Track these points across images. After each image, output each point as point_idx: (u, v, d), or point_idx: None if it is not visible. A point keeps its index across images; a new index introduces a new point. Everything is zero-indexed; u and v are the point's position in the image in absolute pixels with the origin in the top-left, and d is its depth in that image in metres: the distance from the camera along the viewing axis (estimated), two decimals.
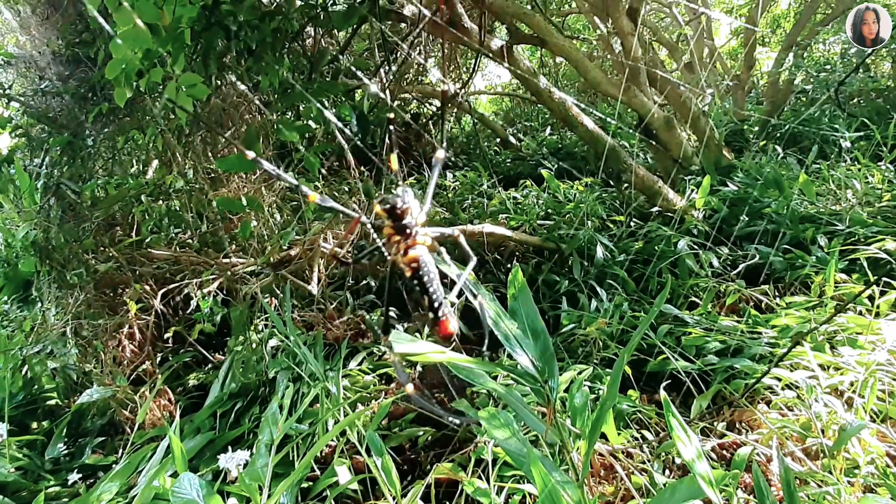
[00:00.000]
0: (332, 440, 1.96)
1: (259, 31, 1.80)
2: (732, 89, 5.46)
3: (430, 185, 0.96)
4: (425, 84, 4.69)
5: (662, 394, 1.14)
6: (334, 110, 2.26)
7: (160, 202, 2.85)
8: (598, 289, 2.74)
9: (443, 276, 0.97)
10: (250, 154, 0.83)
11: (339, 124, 2.01)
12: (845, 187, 3.14)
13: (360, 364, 2.58)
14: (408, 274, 0.92)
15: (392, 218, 0.89)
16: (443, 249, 0.96)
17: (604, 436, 1.70)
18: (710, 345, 2.16)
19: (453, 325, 0.93)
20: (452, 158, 5.42)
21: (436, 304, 0.92)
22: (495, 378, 1.74)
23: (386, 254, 0.93)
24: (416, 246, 0.91)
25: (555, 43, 3.23)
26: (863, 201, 2.95)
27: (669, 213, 3.12)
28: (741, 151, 4.28)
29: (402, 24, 2.93)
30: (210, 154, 2.73)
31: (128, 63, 1.34)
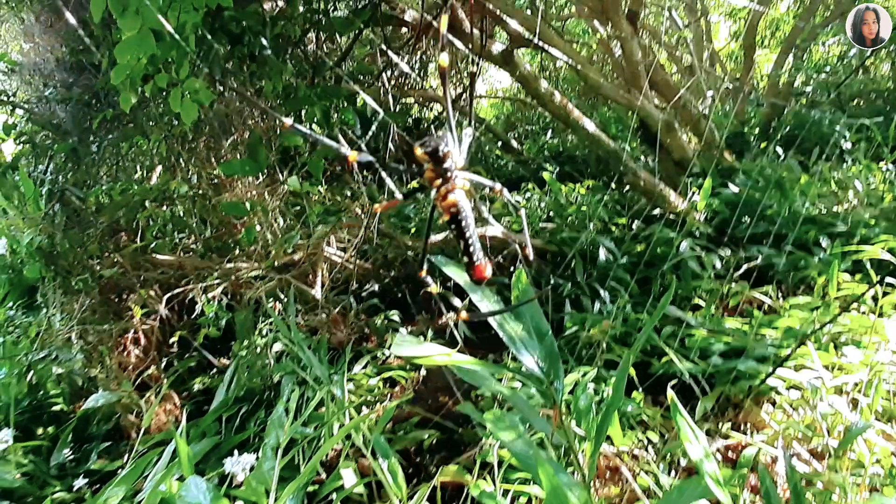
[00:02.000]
0: (338, 444, 1.97)
1: (262, 37, 1.81)
2: (732, 92, 5.47)
3: (462, 145, 0.97)
4: (427, 88, 4.70)
5: (670, 394, 1.14)
6: (337, 115, 2.27)
7: (164, 208, 2.86)
8: (601, 291, 2.74)
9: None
10: (287, 121, 0.84)
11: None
12: (847, 188, 3.14)
13: (364, 368, 2.58)
14: (446, 218, 0.93)
15: (434, 161, 0.90)
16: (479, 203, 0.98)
17: (609, 438, 1.70)
18: (714, 346, 2.16)
19: (488, 270, 0.94)
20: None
21: (471, 249, 0.92)
22: (500, 380, 1.75)
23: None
24: (455, 190, 0.91)
25: (555, 47, 3.24)
26: (864, 202, 2.95)
27: (671, 216, 3.12)
28: (742, 153, 4.28)
29: (404, 30, 2.94)
30: (214, 159, 2.74)
31: (133, 68, 1.35)
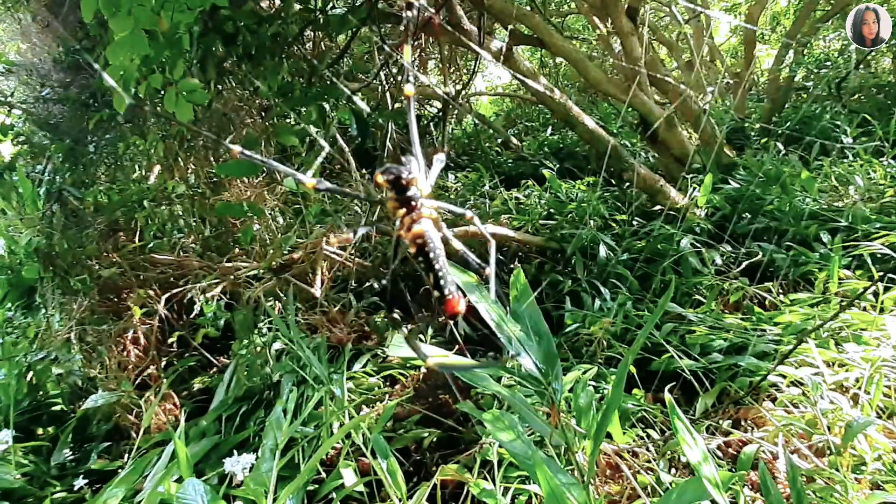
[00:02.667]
0: (338, 442, 1.97)
1: (257, 36, 1.80)
2: (733, 87, 5.45)
3: (432, 170, 0.89)
4: (425, 86, 4.69)
5: (668, 396, 1.13)
6: (335, 113, 2.26)
7: (163, 207, 2.86)
8: (602, 288, 2.74)
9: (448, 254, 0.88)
10: (236, 149, 0.78)
11: (337, 133, 2.00)
12: (847, 183, 3.13)
13: (364, 366, 2.58)
14: (412, 250, 0.85)
15: (396, 189, 0.83)
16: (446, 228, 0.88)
17: (609, 435, 1.69)
18: (715, 343, 2.16)
19: (461, 304, 0.85)
20: (455, 158, 5.40)
21: (441, 283, 0.84)
22: (499, 380, 1.74)
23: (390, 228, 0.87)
24: (421, 220, 0.83)
25: (554, 43, 3.23)
26: (865, 197, 2.94)
27: (672, 212, 3.11)
28: (742, 149, 4.27)
29: (401, 27, 2.94)
30: (211, 158, 2.73)
31: (126, 70, 1.34)
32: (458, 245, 0.87)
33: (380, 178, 0.82)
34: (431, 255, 0.84)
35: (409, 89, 0.86)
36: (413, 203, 0.83)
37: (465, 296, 0.87)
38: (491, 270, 0.90)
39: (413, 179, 0.83)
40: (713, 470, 0.89)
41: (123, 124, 2.64)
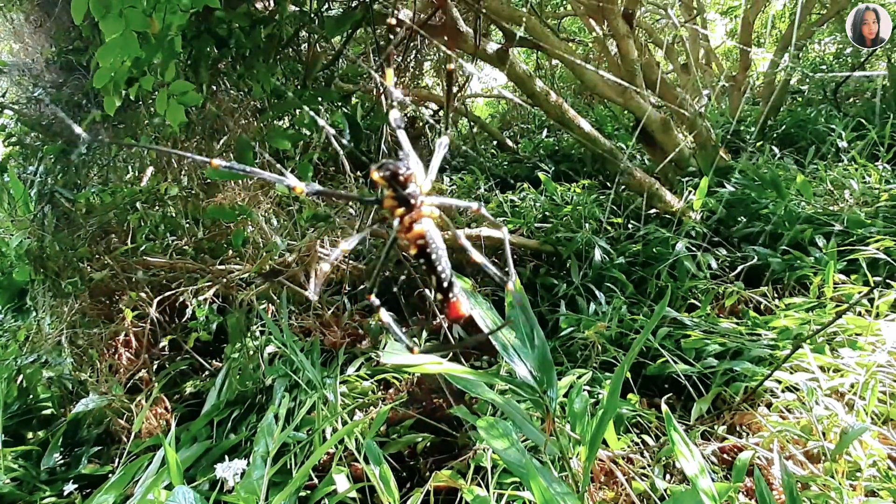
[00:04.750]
0: (331, 448, 1.95)
1: (251, 38, 1.78)
2: (728, 90, 5.46)
3: (434, 160, 0.83)
4: (421, 87, 4.68)
5: (664, 408, 1.12)
6: (329, 116, 2.24)
7: (155, 209, 2.84)
8: (597, 292, 2.73)
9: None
10: (216, 161, 0.74)
11: (333, 132, 1.98)
12: (843, 187, 3.13)
13: (357, 370, 2.56)
14: (413, 252, 0.80)
15: (393, 186, 0.77)
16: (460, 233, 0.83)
17: (604, 441, 1.68)
18: (710, 347, 2.15)
19: (465, 306, 0.82)
20: (450, 161, 5.39)
21: (445, 285, 0.80)
22: (493, 387, 1.73)
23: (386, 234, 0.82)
24: (421, 219, 0.79)
25: (551, 46, 3.23)
26: (860, 201, 2.94)
27: (667, 215, 3.11)
28: (738, 152, 4.27)
29: (397, 28, 2.92)
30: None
31: (116, 72, 1.32)
32: (478, 257, 0.82)
33: (375, 175, 0.77)
34: (433, 255, 0.80)
35: (394, 114, 0.83)
36: (412, 201, 0.78)
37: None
38: (511, 279, 0.84)
39: (411, 175, 0.78)
40: (710, 483, 0.88)
41: (116, 125, 2.61)
